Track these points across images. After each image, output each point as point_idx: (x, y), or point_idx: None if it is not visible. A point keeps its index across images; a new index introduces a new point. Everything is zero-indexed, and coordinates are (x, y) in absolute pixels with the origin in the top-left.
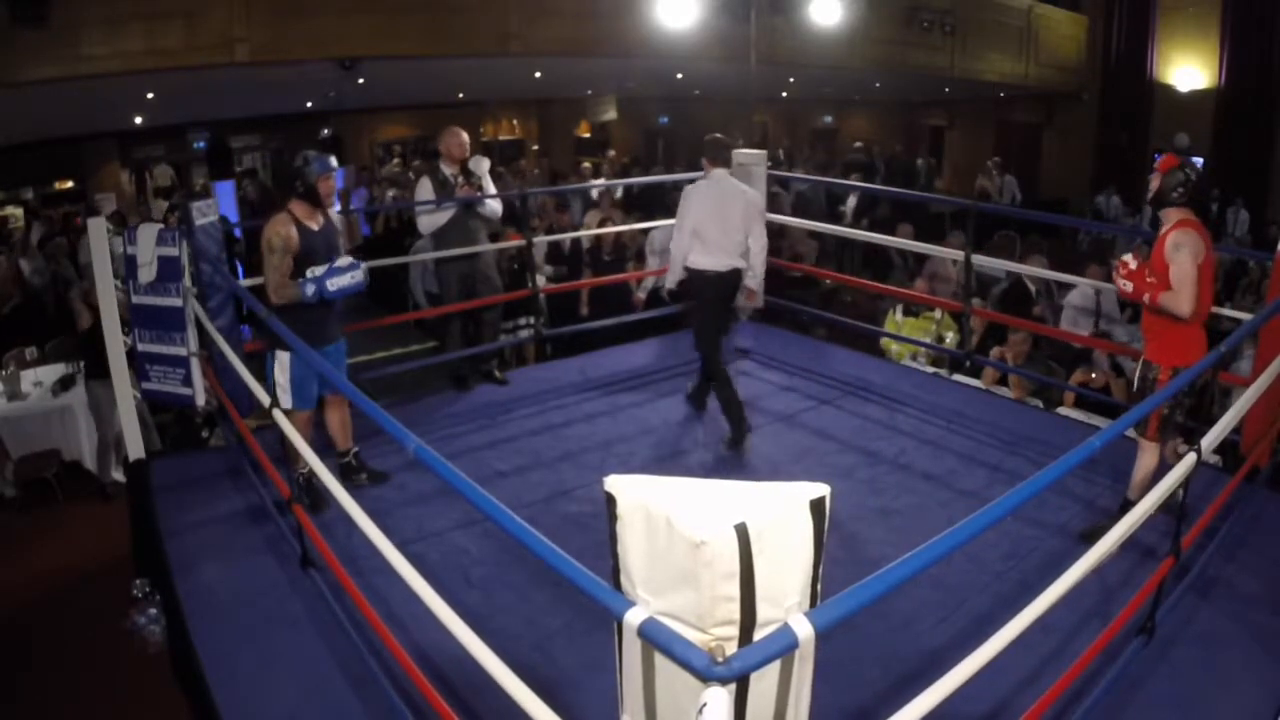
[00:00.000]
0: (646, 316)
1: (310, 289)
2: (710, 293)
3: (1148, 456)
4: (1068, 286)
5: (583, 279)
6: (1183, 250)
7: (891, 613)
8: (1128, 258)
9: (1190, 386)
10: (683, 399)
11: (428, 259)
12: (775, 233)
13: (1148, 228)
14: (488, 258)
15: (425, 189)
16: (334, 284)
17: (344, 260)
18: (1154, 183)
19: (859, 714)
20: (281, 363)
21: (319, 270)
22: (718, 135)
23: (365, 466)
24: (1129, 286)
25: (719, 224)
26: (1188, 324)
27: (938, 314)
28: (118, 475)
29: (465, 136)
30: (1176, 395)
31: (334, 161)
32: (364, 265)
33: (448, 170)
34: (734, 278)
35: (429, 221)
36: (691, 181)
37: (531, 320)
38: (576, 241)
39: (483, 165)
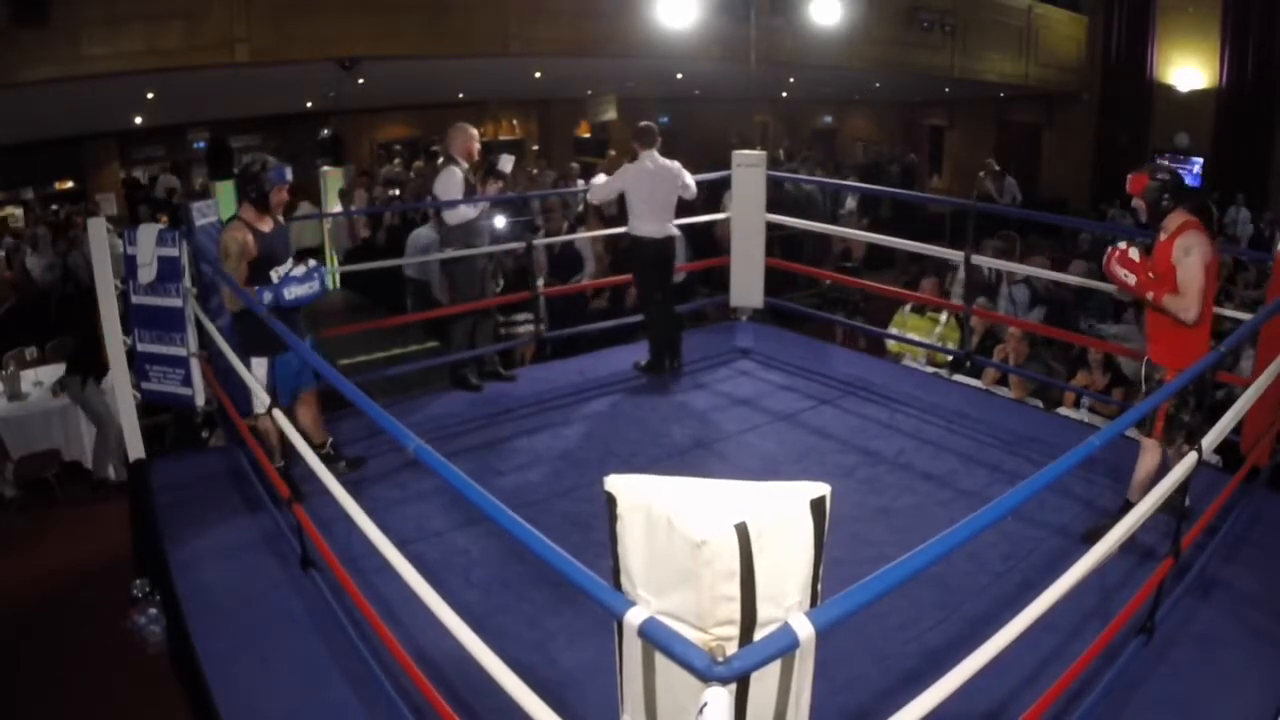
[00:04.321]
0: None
1: (267, 297)
2: (649, 254)
3: (1149, 456)
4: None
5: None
6: (1192, 254)
7: (891, 613)
8: (1122, 244)
9: (1201, 387)
10: (681, 399)
11: (435, 258)
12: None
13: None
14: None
15: (456, 178)
16: (291, 293)
17: (300, 269)
18: (1141, 207)
19: (859, 714)
20: (259, 367)
21: (281, 271)
22: (646, 123)
23: (342, 455)
24: (1131, 278)
25: (654, 196)
26: (1194, 327)
27: (943, 316)
28: (111, 473)
29: (476, 133)
30: (1184, 395)
31: (289, 174)
32: (325, 270)
33: (464, 167)
34: (669, 244)
35: (461, 214)
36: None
37: (530, 320)
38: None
39: (509, 164)
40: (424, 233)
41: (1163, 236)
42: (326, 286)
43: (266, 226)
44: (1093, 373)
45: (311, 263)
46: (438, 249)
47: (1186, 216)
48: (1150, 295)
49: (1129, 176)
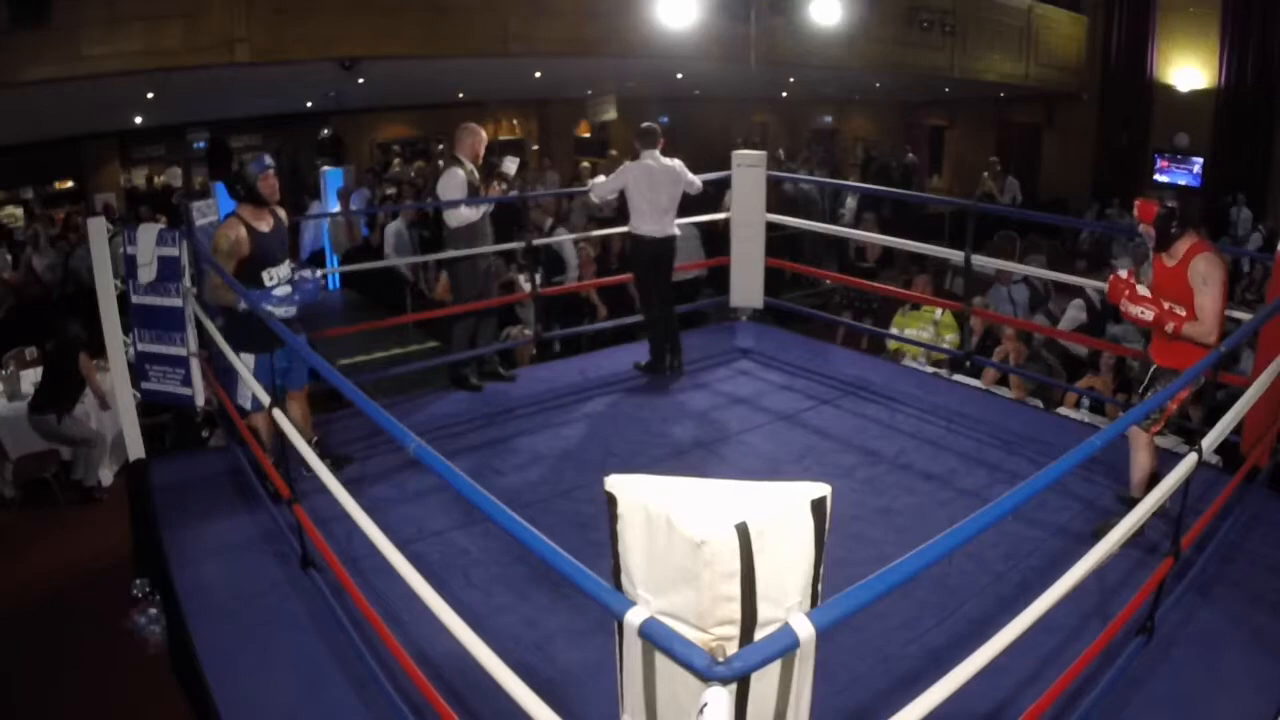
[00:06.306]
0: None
1: (243, 304)
2: (648, 253)
3: (1143, 454)
4: (1065, 288)
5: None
6: (1210, 282)
7: (891, 613)
8: (1123, 273)
9: (1204, 387)
10: (681, 399)
11: (433, 258)
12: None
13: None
14: (491, 258)
15: (458, 179)
16: (268, 308)
17: (284, 288)
18: (1150, 234)
19: (859, 714)
20: (245, 364)
21: (274, 273)
22: (649, 124)
23: (329, 452)
24: (1148, 313)
25: (655, 195)
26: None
27: (938, 314)
28: (105, 477)
29: (484, 135)
30: (1189, 396)
31: (269, 159)
32: (317, 281)
33: (468, 168)
34: (669, 243)
35: (462, 215)
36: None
37: (530, 321)
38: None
39: (513, 166)
40: (392, 226)
41: (1170, 263)
42: (314, 298)
43: (265, 225)
44: (1102, 374)
45: (306, 273)
46: (403, 242)
47: (1194, 240)
48: (1170, 326)
49: (1136, 203)
